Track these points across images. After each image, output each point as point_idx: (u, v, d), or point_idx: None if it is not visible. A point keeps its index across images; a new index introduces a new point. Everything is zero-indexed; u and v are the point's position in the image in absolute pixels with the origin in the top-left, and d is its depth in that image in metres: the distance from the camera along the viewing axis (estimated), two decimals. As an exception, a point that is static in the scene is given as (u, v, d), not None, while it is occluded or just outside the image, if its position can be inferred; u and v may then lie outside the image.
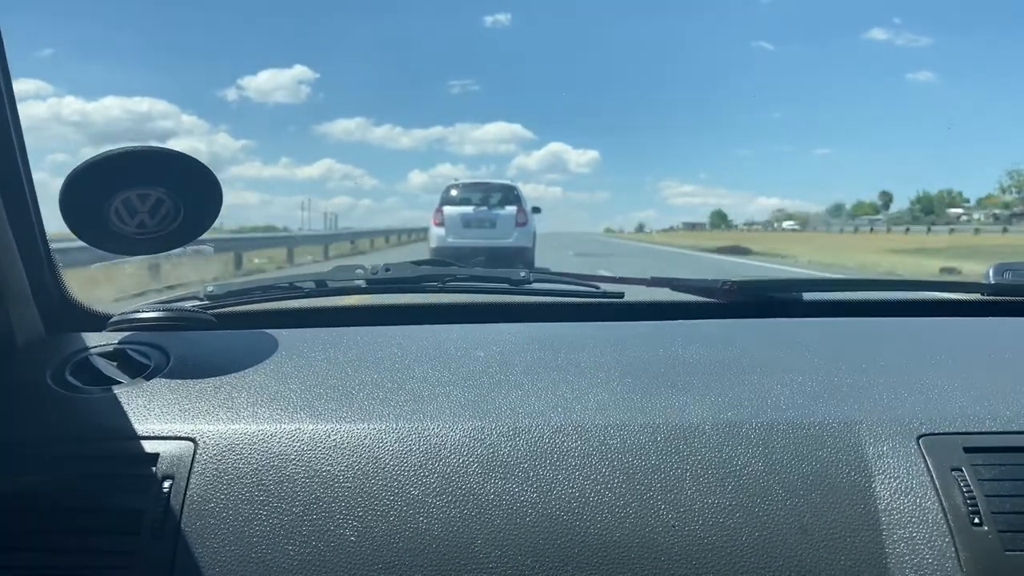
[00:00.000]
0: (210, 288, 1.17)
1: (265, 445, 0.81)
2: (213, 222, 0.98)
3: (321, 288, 1.19)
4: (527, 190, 14.86)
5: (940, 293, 1.34)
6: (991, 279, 1.28)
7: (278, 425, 0.83)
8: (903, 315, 1.24)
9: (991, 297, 1.28)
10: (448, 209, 13.34)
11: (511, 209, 13.34)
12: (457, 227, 13.08)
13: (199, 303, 1.14)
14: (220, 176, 0.95)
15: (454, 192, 13.85)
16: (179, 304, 1.13)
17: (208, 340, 1.03)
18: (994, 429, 0.82)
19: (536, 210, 14.01)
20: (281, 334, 1.02)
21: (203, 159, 0.93)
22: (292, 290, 1.19)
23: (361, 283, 1.20)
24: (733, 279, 1.23)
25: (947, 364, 0.98)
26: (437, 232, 13.13)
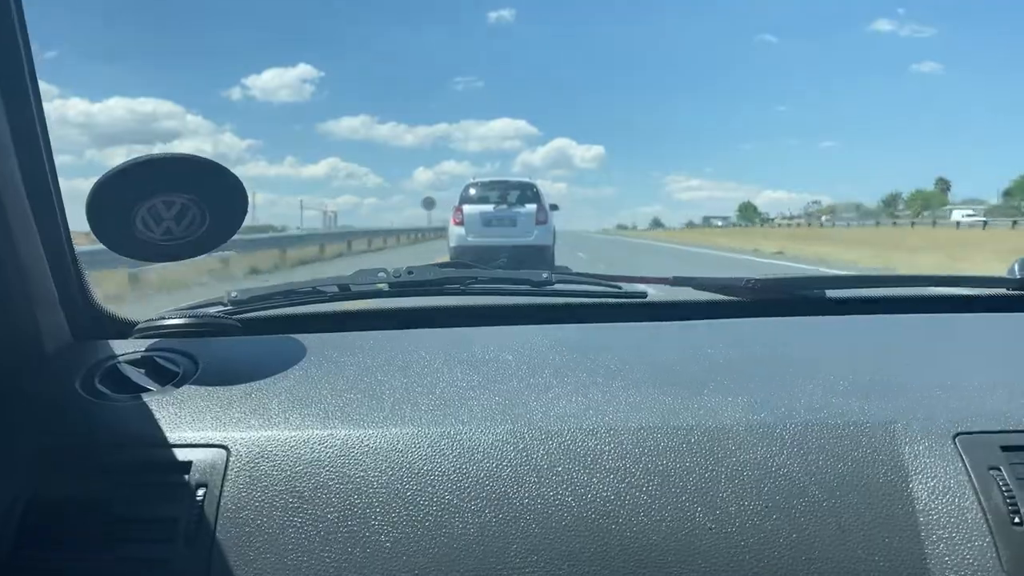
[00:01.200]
0: (234, 294, 1.17)
1: (298, 451, 0.81)
2: (240, 227, 0.98)
3: (344, 292, 1.19)
4: (522, 178, 14.81)
5: (964, 289, 1.33)
6: (1017, 274, 1.27)
7: (310, 431, 0.83)
8: (927, 311, 1.24)
9: (1017, 292, 1.27)
10: (468, 208, 13.27)
11: (531, 207, 13.28)
12: (477, 226, 13.03)
13: (223, 308, 1.14)
14: None
15: (473, 191, 13.80)
16: (203, 310, 1.13)
17: (235, 346, 1.03)
18: None
19: (554, 207, 13.89)
20: (307, 339, 1.02)
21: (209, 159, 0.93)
22: (315, 294, 1.19)
23: (384, 286, 1.20)
24: (756, 277, 1.23)
25: (978, 361, 0.97)
26: (457, 231, 13.08)
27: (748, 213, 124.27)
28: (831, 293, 1.26)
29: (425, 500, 0.77)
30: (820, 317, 1.18)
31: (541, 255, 12.53)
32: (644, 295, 1.24)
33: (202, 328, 1.06)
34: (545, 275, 1.24)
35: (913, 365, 0.94)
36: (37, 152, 0.90)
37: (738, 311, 1.21)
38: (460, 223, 13.16)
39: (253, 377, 0.92)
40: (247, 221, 1.00)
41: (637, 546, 0.74)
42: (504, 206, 13.43)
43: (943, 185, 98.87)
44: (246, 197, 0.96)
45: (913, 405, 0.85)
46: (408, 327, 1.12)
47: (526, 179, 14.66)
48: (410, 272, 1.21)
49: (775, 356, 0.97)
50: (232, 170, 0.94)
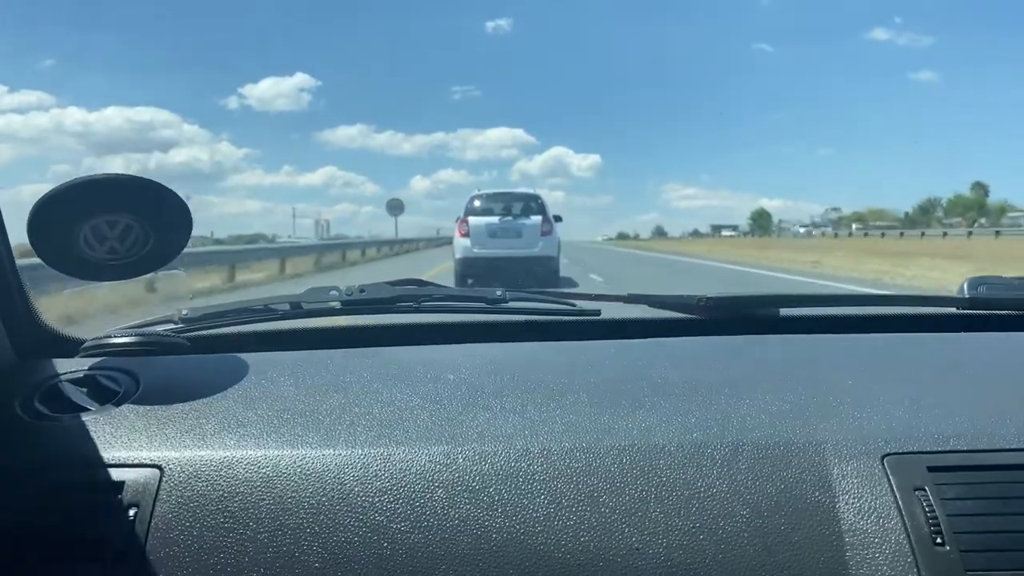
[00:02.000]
0: (184, 311, 1.17)
1: (231, 471, 0.81)
2: (184, 246, 0.99)
3: (296, 310, 1.19)
4: (526, 190, 15.14)
5: (916, 308, 1.35)
6: (966, 293, 1.29)
7: (244, 451, 0.83)
8: (878, 331, 1.25)
9: (966, 311, 1.28)
10: (473, 220, 13.30)
11: (536, 219, 13.33)
12: (483, 237, 13.08)
13: (173, 327, 1.14)
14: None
15: (478, 203, 13.84)
16: (152, 328, 1.13)
17: (180, 365, 1.03)
18: (958, 448, 0.82)
19: (557, 219, 13.92)
20: (252, 358, 1.02)
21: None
22: (267, 312, 1.19)
23: (336, 304, 1.20)
24: (710, 295, 1.23)
25: (916, 381, 0.98)
26: (463, 243, 13.11)
27: (763, 221, 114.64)
28: (784, 312, 1.27)
29: (355, 522, 0.77)
30: (770, 336, 1.19)
31: (545, 266, 12.67)
32: (597, 313, 1.24)
33: (149, 347, 1.06)
34: (499, 292, 1.24)
35: (850, 386, 0.94)
36: None
37: (690, 329, 1.22)
38: (466, 235, 13.16)
39: (193, 396, 0.92)
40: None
41: (564, 566, 0.74)
42: (509, 218, 13.45)
43: (981, 190, 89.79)
44: (190, 218, 0.97)
45: (844, 425, 0.85)
46: (358, 345, 1.12)
47: (530, 190, 14.74)
48: (362, 290, 1.21)
49: (716, 375, 0.98)
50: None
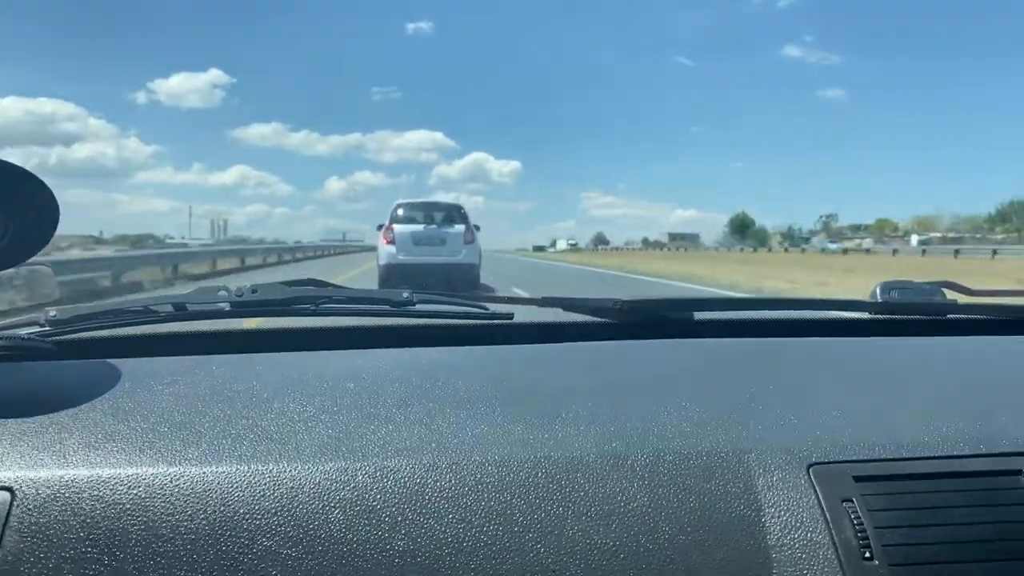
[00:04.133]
0: (52, 313, 1.04)
1: (97, 493, 0.71)
2: (48, 241, 0.88)
3: (179, 312, 1.09)
4: (448, 200, 16.13)
5: (829, 312, 1.34)
6: (878, 297, 1.29)
7: (112, 470, 0.73)
8: (792, 335, 1.23)
9: (878, 315, 1.28)
10: (399, 228, 13.81)
11: (459, 228, 14.05)
12: (408, 245, 13.61)
13: (38, 329, 1.02)
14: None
15: (402, 211, 14.40)
16: (13, 331, 1.00)
17: (43, 372, 0.92)
18: (883, 456, 0.79)
19: (476, 228, 14.56)
20: (127, 365, 0.92)
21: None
22: (146, 314, 1.07)
23: (224, 306, 1.09)
24: (624, 299, 1.19)
25: (836, 387, 0.96)
26: (387, 250, 13.56)
27: (761, 235, 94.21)
28: (698, 316, 1.24)
29: (239, 547, 0.68)
30: (686, 340, 1.15)
31: (468, 273, 13.32)
32: (510, 316, 1.18)
33: (8, 351, 0.94)
34: (405, 294, 1.17)
35: (770, 392, 0.91)
36: None
37: (605, 333, 1.18)
38: (391, 242, 13.64)
39: (56, 408, 0.81)
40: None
41: None
42: (434, 226, 14.07)
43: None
44: (57, 209, 0.86)
45: (768, 434, 0.82)
46: (249, 351, 1.03)
47: (454, 201, 15.81)
48: (254, 291, 1.11)
49: (634, 381, 0.93)
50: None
